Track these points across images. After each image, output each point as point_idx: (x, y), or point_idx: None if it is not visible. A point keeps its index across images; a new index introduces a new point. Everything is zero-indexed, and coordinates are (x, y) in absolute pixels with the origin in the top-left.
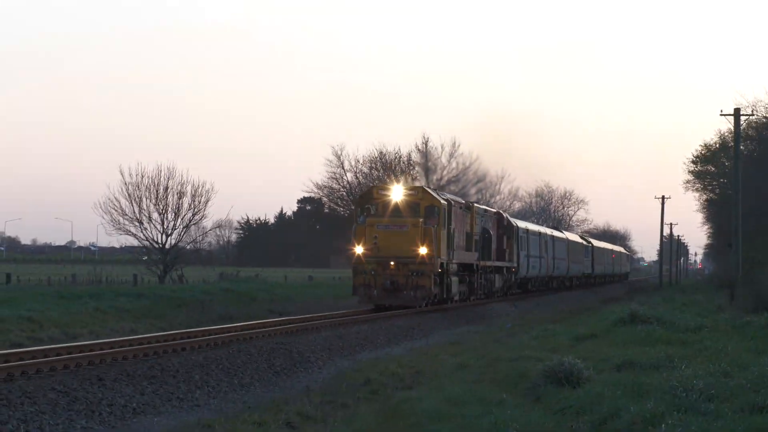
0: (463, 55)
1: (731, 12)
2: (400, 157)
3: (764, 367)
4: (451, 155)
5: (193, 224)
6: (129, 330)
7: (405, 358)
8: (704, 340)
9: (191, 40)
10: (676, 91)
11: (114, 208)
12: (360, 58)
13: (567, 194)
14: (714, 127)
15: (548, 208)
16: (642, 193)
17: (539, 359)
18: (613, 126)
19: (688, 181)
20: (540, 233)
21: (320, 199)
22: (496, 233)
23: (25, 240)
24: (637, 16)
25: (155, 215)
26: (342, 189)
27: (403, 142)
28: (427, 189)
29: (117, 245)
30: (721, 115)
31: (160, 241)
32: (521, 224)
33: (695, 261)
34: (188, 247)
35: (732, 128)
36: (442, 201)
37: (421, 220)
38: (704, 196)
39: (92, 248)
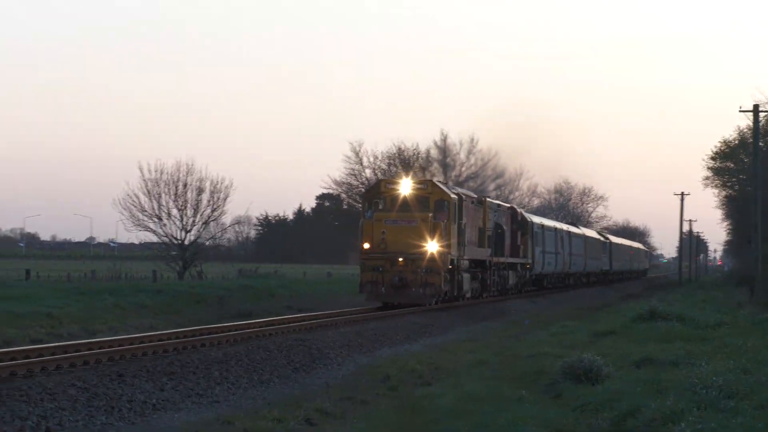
0: (482, 49)
1: (751, 8)
2: (419, 153)
3: None
4: (470, 151)
5: (212, 220)
6: (148, 326)
7: (423, 355)
8: (724, 336)
9: (210, 35)
10: (695, 87)
11: (133, 205)
12: (378, 53)
13: (586, 191)
14: (733, 124)
15: (567, 204)
16: (662, 190)
17: (558, 356)
18: (632, 122)
19: (707, 178)
20: (556, 229)
21: (339, 195)
22: (509, 229)
23: (45, 236)
24: (657, 12)
25: (174, 211)
26: (360, 185)
27: (421, 139)
28: (436, 182)
29: (136, 241)
30: (740, 111)
31: (179, 238)
32: (536, 219)
33: (715, 257)
34: (207, 243)
35: (751, 124)
36: (452, 195)
37: (430, 214)
38: (723, 193)
39: (112, 244)
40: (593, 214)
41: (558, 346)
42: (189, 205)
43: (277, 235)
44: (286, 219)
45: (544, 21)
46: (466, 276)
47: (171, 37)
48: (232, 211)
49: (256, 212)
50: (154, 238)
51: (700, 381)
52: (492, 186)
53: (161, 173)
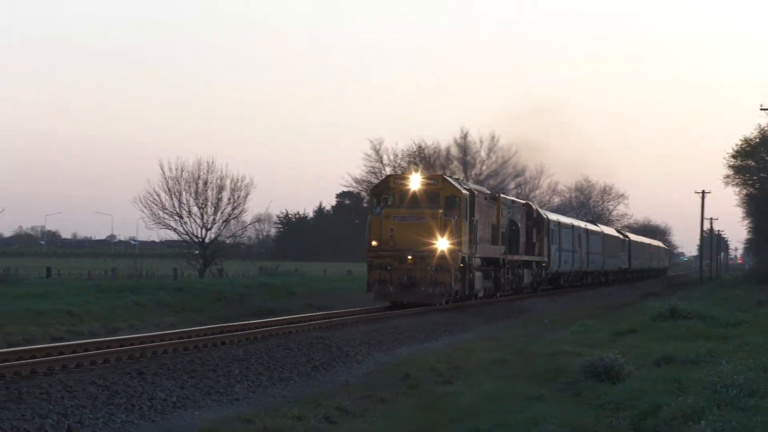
0: (501, 46)
1: None
2: (439, 151)
3: None
4: (490, 149)
5: (233, 218)
6: (169, 324)
7: (443, 353)
8: (744, 335)
9: (232, 35)
10: (717, 85)
11: (154, 203)
12: (397, 51)
13: (607, 189)
14: (754, 122)
15: (588, 202)
16: (683, 188)
17: (577, 354)
18: (653, 120)
19: (728, 176)
20: (573, 226)
21: (359, 193)
22: (524, 226)
23: (66, 234)
24: (679, 9)
25: (195, 209)
26: None
27: (441, 136)
28: (447, 177)
29: (157, 239)
30: (762, 109)
31: (199, 236)
32: (552, 216)
33: (735, 256)
34: (228, 241)
35: None
36: (464, 190)
37: (440, 210)
38: (744, 191)
39: (132, 242)
40: (614, 213)
41: (578, 344)
42: (209, 203)
43: (298, 233)
44: (307, 217)
45: (564, 17)
46: (478, 275)
47: (193, 37)
48: (252, 209)
49: (276, 210)
50: (175, 236)
51: (720, 379)
52: (512, 184)
53: (182, 171)
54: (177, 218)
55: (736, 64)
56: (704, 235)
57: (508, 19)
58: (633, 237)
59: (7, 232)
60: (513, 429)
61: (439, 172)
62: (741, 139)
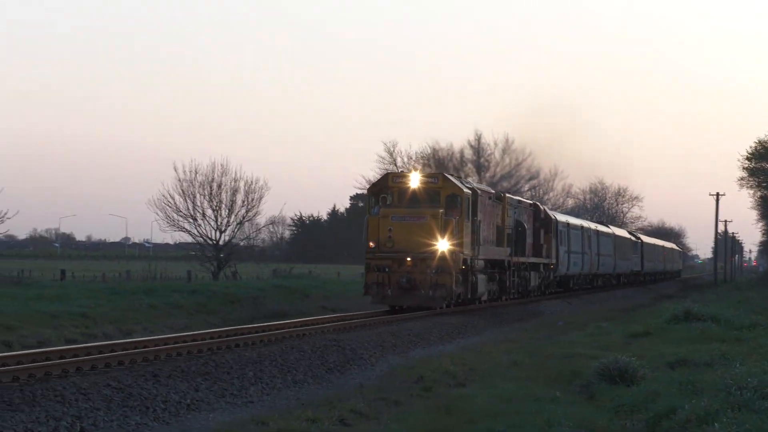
0: (515, 46)
1: None
2: (453, 153)
3: None
4: (504, 151)
5: (247, 221)
6: (183, 326)
7: (457, 356)
8: (758, 337)
9: (244, 37)
10: (731, 87)
11: (168, 205)
12: (411, 52)
13: (621, 191)
14: None
15: (602, 205)
16: (697, 191)
17: (592, 357)
18: (668, 122)
19: (742, 178)
20: (582, 227)
21: None
22: (531, 227)
23: (80, 236)
24: (693, 10)
25: (209, 212)
26: None
27: (455, 138)
28: (448, 176)
29: (171, 242)
30: None
31: (213, 238)
32: (561, 217)
33: (750, 258)
34: (242, 243)
35: None
36: (466, 189)
37: (441, 210)
38: (759, 193)
39: (146, 245)
40: (628, 215)
41: (592, 347)
42: (224, 206)
43: (312, 236)
44: (320, 219)
45: (576, 17)
46: (481, 277)
47: (206, 39)
48: (266, 211)
49: (290, 212)
50: (189, 239)
51: (734, 382)
52: (526, 187)
53: (196, 173)
54: (191, 221)
55: (751, 65)
56: (718, 237)
57: (522, 19)
58: (646, 239)
59: (22, 235)
60: (527, 431)
61: (453, 174)
62: (755, 141)
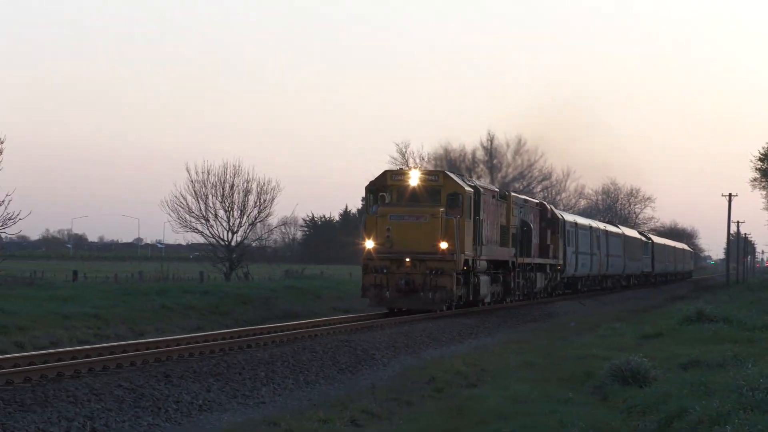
0: (527, 46)
1: None
2: (465, 154)
3: None
4: (516, 152)
5: (259, 221)
6: (195, 327)
7: (469, 356)
8: None
9: (257, 41)
10: (744, 87)
11: (180, 206)
12: (422, 52)
13: (633, 191)
14: None
15: (614, 205)
16: (710, 191)
17: (604, 358)
18: (680, 122)
19: (755, 179)
20: (591, 227)
21: None
22: (538, 226)
23: (92, 237)
24: (704, 9)
25: (221, 213)
26: None
27: (467, 138)
28: (449, 173)
29: (183, 242)
30: None
31: (226, 239)
32: (569, 217)
33: (762, 259)
34: (254, 244)
35: None
36: (467, 187)
37: (441, 209)
38: None
39: (159, 245)
40: (640, 216)
41: (605, 348)
42: (236, 207)
43: (324, 237)
44: (333, 220)
45: (586, 16)
46: (484, 279)
47: (220, 38)
48: (278, 212)
49: (302, 213)
50: (201, 240)
51: (746, 383)
52: (539, 188)
53: (208, 174)
54: (203, 221)
55: (765, 66)
56: (731, 238)
57: (536, 20)
58: (656, 239)
59: (34, 236)
60: None
61: (465, 175)
62: None
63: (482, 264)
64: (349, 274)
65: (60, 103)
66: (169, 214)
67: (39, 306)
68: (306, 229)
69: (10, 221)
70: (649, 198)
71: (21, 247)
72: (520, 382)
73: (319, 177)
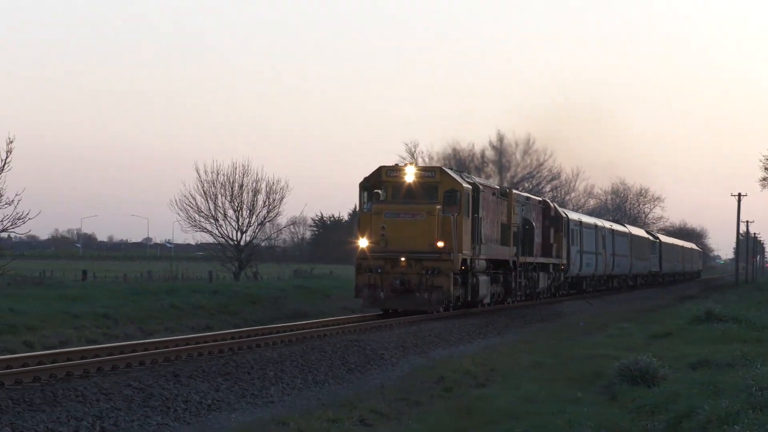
0: (536, 45)
1: None
2: (474, 153)
3: None
4: (525, 152)
5: (268, 221)
6: (204, 326)
7: (478, 356)
8: None
9: (264, 39)
10: (753, 87)
11: (190, 206)
12: (430, 51)
13: (643, 191)
14: None
15: (623, 205)
16: (719, 191)
17: (613, 358)
18: (689, 122)
19: (764, 179)
20: (596, 226)
21: None
22: (540, 225)
23: (102, 237)
24: (713, 9)
25: (230, 212)
26: None
27: (475, 137)
28: (446, 169)
29: (193, 242)
30: None
31: (235, 238)
32: (573, 215)
33: None
34: (263, 244)
35: None
36: (465, 184)
37: (438, 207)
38: None
39: (168, 245)
40: (650, 215)
41: (614, 347)
42: (245, 206)
43: (333, 236)
44: (341, 220)
45: (594, 17)
46: (483, 279)
47: (228, 39)
48: (287, 211)
49: (311, 213)
50: (210, 239)
51: (755, 382)
52: (548, 187)
53: (217, 174)
54: (212, 221)
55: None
56: (740, 238)
57: (544, 19)
58: (664, 238)
59: (44, 235)
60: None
61: (474, 175)
62: None
63: (481, 263)
64: None
65: (70, 103)
66: (179, 214)
67: (48, 305)
68: (315, 228)
69: (20, 221)
70: (658, 198)
71: (30, 247)
72: (530, 381)
73: (328, 176)
